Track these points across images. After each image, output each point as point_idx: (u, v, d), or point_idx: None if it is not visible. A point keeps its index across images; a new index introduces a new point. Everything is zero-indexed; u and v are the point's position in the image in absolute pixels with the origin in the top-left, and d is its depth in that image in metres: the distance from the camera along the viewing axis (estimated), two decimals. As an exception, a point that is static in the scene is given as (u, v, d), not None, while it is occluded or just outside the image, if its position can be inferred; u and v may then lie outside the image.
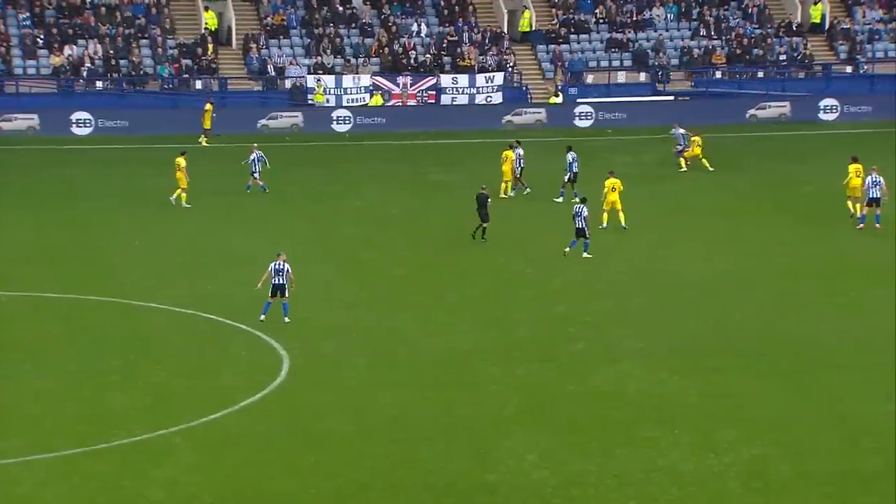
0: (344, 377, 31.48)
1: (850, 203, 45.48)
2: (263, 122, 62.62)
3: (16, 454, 26.72)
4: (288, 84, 66.59)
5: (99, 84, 65.01)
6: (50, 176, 53.23)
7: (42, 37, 65.49)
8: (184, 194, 47.46)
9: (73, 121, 61.37)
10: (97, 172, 54.07)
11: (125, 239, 44.06)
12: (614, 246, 41.46)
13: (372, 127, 64.02)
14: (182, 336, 34.42)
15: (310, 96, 65.53)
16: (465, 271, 40.29)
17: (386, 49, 68.40)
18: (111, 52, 65.48)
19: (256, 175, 49.60)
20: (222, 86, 66.32)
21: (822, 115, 66.19)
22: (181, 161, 47.72)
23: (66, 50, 65.18)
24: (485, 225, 42.62)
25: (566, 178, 47.74)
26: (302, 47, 68.34)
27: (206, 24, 68.04)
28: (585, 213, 40.65)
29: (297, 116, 63.36)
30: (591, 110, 65.20)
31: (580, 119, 64.85)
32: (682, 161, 53.28)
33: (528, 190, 49.48)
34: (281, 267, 34.28)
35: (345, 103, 65.27)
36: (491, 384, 30.92)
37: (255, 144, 50.82)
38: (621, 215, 43.94)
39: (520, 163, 49.39)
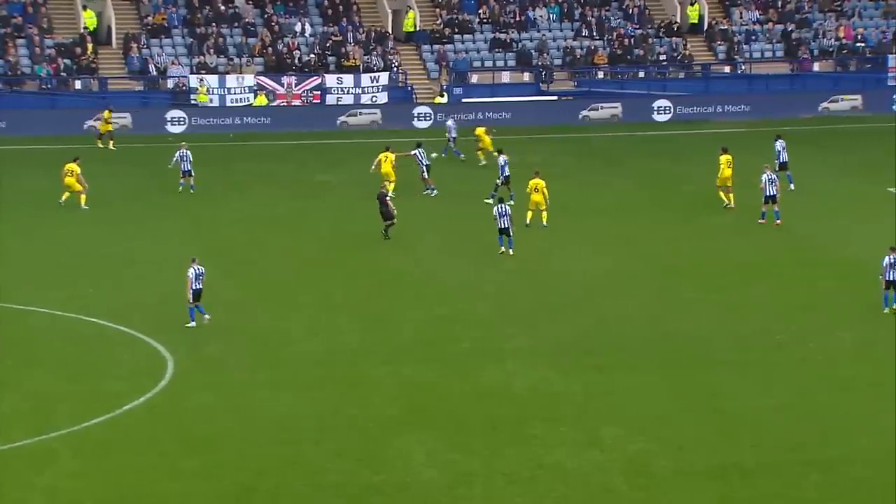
0: (229, 379, 31.27)
1: (721, 194, 46.76)
2: (91, 122, 61.28)
3: None
4: (170, 84, 65.89)
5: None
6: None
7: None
8: (83, 196, 46.80)
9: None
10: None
11: (2, 241, 43.22)
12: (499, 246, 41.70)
13: (257, 127, 63.65)
14: (63, 340, 33.90)
15: (193, 96, 64.91)
16: (351, 271, 40.25)
17: (270, 49, 68.01)
18: (-12, 51, 64.24)
19: (188, 173, 49.13)
20: (102, 86, 65.41)
21: (655, 116, 67.21)
22: (75, 167, 46.97)
23: (-59, 49, 63.83)
24: (388, 223, 42.73)
25: (498, 181, 47.74)
26: (184, 47, 67.66)
27: (85, 23, 67.05)
28: (510, 211, 40.91)
29: (125, 117, 62.10)
30: (430, 111, 65.28)
31: (419, 120, 64.96)
32: (480, 154, 54.23)
33: (434, 191, 49.67)
34: (201, 272, 34.01)
35: (229, 103, 64.79)
36: (378, 384, 30.94)
37: (184, 143, 50.30)
38: (543, 214, 44.43)
39: (424, 161, 49.62)
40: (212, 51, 67.14)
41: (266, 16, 69.70)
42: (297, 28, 69.63)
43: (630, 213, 47.92)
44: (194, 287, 34.01)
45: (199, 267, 34.17)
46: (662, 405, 29.48)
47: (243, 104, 64.95)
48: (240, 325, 34.95)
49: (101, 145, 57.33)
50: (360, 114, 64.50)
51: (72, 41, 66.07)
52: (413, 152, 49.83)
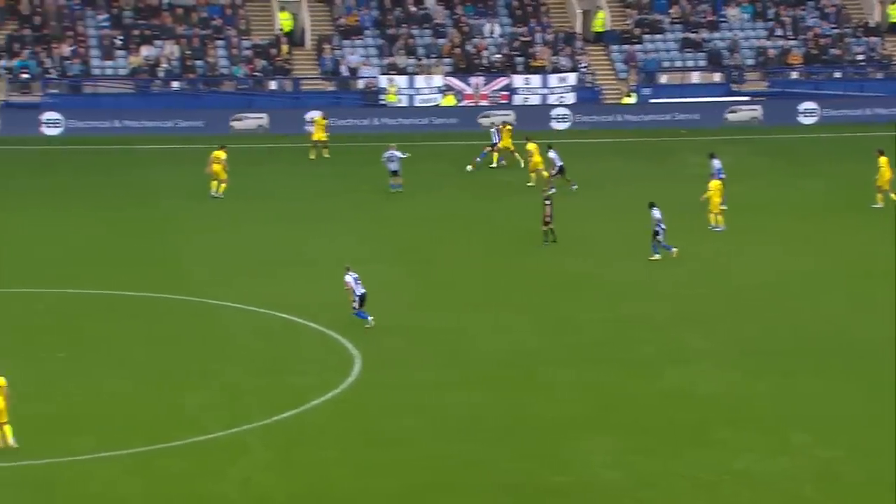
0: (413, 377, 31.63)
1: (879, 196, 45.89)
2: (229, 122, 62.05)
3: (89, 451, 27.13)
4: (360, 85, 66.91)
5: (175, 84, 65.69)
6: (126, 176, 53.84)
7: (120, 38, 66.33)
8: (223, 185, 47.95)
9: (152, 121, 61.95)
10: (172, 172, 54.59)
11: (197, 238, 44.50)
12: (683, 246, 41.23)
13: (444, 127, 64.16)
14: (255, 335, 34.73)
15: (382, 97, 65.79)
16: (532, 271, 40.28)
17: (458, 49, 68.53)
18: (187, 52, 66.16)
19: (395, 173, 49.67)
20: (296, 86, 66.75)
21: (801, 119, 65.21)
22: (221, 154, 48.50)
23: (144, 51, 65.94)
24: (551, 226, 42.74)
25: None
26: (375, 48, 68.64)
27: (281, 24, 68.54)
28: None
29: (262, 118, 62.77)
30: (568, 112, 64.60)
31: (557, 122, 64.33)
32: (495, 156, 54.23)
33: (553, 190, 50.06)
34: (357, 276, 34.63)
35: (417, 104, 65.45)
36: (558, 385, 30.92)
37: (393, 144, 50.80)
38: (720, 217, 44.15)
39: (558, 162, 50.02)
40: (402, 51, 67.96)
41: (455, 17, 70.23)
42: (486, 29, 69.97)
43: (821, 214, 46.90)
44: (358, 292, 34.52)
45: (354, 273, 34.73)
46: (853, 412, 28.77)
47: (431, 104, 65.57)
48: (423, 324, 35.31)
49: (313, 156, 56.44)
50: (494, 114, 64.05)
51: (268, 42, 67.63)
52: (550, 155, 50.10)
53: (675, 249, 40.70)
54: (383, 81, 65.96)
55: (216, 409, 29.62)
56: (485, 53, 68.62)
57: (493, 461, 26.73)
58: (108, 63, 65.50)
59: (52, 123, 61.17)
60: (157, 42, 66.34)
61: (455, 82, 66.30)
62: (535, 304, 37.17)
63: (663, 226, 40.61)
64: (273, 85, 66.64)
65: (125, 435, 28.01)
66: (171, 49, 66.06)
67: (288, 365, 32.49)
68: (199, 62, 66.17)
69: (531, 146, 51.10)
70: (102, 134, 60.39)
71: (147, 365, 32.39)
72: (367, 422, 28.98)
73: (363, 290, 34.65)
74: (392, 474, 26.28)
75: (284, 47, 67.34)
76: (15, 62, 63.58)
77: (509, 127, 56.27)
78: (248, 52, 67.00)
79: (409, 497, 25.44)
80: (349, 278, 34.70)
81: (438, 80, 66.23)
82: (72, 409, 29.53)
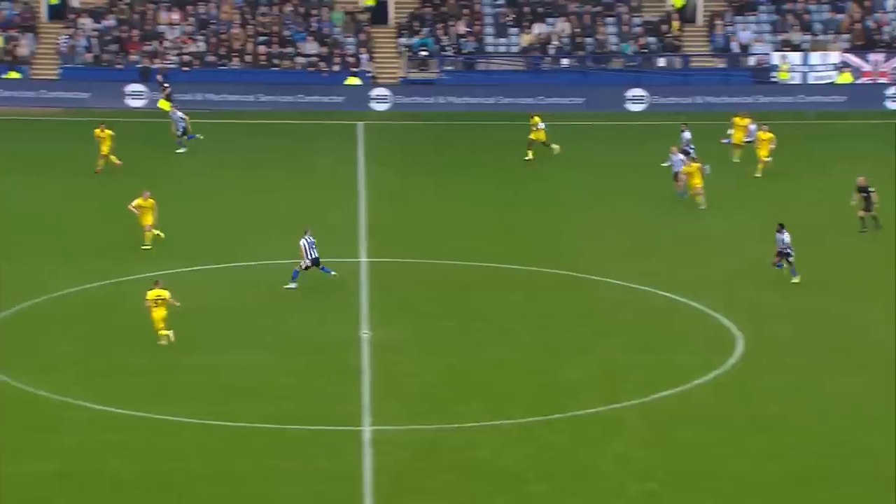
0: (797, 361, 30.88)
1: None
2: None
3: (476, 419, 27.90)
4: (751, 62, 65.57)
5: (564, 62, 66.36)
6: (513, 151, 54.81)
7: (513, 15, 67.59)
8: (699, 197, 44.67)
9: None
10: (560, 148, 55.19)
11: (582, 214, 44.78)
12: None
13: (838, 105, 62.08)
14: (635, 312, 34.73)
15: (773, 74, 64.27)
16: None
17: (858, 25, 65.99)
18: (577, 30, 66.69)
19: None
20: (685, 63, 66.12)
21: None
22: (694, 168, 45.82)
23: (536, 28, 66.97)
24: (871, 214, 40.65)
25: None
26: (769, 24, 67.05)
27: (673, 1, 68.01)
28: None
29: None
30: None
31: (891, 101, 60.05)
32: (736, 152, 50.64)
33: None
34: (312, 241, 35.50)
35: (811, 81, 63.57)
36: (956, 377, 29.38)
37: (675, 147, 48.98)
38: None
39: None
40: (797, 27, 66.07)
41: (858, -9, 67.66)
42: (890, 3, 67.03)
43: None
44: (311, 257, 35.26)
45: (311, 237, 35.46)
46: None
47: (825, 82, 63.52)
48: (810, 307, 34.36)
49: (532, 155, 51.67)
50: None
51: (659, 19, 67.26)
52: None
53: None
54: (775, 58, 64.40)
55: (595, 384, 29.84)
56: (886, 29, 65.82)
57: (881, 451, 25.76)
58: (502, 40, 66.92)
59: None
60: (549, 19, 67.21)
61: (853, 59, 63.94)
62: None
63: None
64: (662, 62, 66.24)
65: (508, 404, 28.63)
66: (562, 26, 66.79)
67: (668, 344, 32.33)
68: (588, 39, 66.60)
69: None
70: (491, 110, 61.76)
71: (528, 337, 32.97)
72: (749, 404, 28.49)
73: (316, 255, 35.46)
74: (777, 459, 25.76)
75: (675, 24, 66.79)
76: (414, 40, 65.95)
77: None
78: (638, 29, 66.86)
79: (795, 483, 24.87)
80: (303, 242, 35.50)
81: (835, 56, 64.06)
82: (458, 377, 30.45)
